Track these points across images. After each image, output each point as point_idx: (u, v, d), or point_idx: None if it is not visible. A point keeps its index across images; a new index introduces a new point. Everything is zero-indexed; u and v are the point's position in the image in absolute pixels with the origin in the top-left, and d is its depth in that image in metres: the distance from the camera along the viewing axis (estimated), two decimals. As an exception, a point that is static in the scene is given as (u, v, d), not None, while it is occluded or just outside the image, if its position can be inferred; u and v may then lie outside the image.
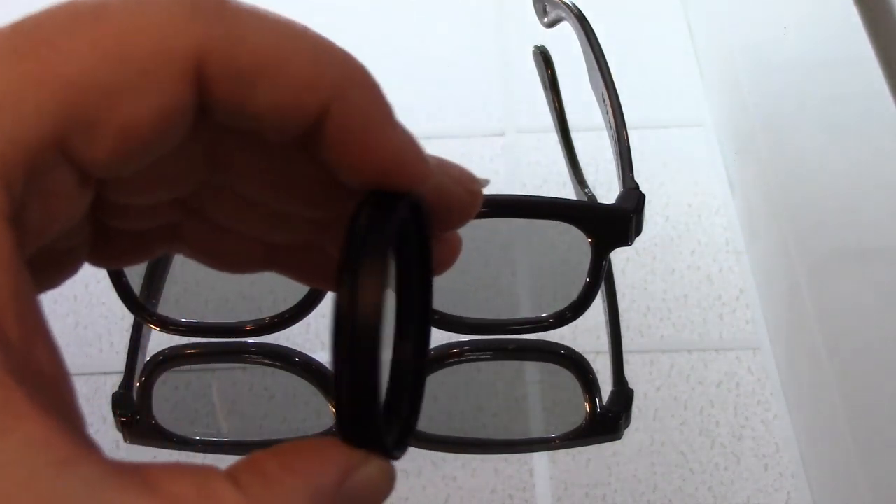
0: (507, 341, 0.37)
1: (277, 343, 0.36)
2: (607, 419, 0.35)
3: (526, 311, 0.35)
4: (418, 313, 0.19)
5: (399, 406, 0.19)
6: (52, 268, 0.18)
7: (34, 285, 0.15)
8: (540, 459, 0.42)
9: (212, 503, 0.14)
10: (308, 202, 0.19)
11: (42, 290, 0.18)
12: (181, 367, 0.37)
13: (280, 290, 0.36)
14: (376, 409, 0.16)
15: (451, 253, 0.20)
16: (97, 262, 0.20)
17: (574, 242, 0.32)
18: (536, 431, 0.39)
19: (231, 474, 0.15)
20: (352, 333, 0.15)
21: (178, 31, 0.15)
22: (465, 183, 0.19)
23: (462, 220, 0.19)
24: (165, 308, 0.35)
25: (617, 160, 0.34)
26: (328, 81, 0.16)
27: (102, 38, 0.15)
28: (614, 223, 0.32)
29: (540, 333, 0.35)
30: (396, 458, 0.17)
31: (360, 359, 0.15)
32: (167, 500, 0.14)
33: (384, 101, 0.17)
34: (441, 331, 0.35)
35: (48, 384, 0.15)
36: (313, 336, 0.44)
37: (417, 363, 0.19)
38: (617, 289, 0.39)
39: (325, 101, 0.16)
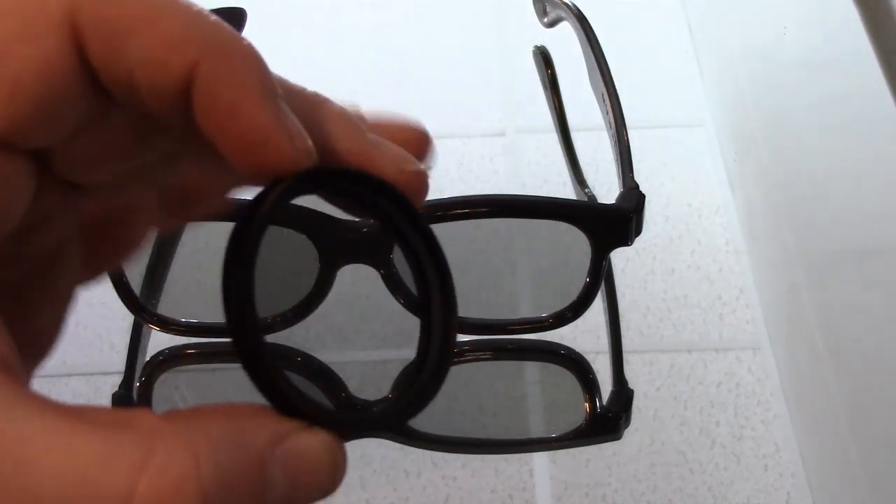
0: (507, 341, 0.37)
1: (278, 343, 0.36)
2: (607, 419, 0.35)
3: (526, 311, 0.35)
4: (439, 305, 0.19)
5: (418, 385, 0.19)
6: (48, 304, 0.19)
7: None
8: (540, 459, 0.42)
9: (124, 427, 0.14)
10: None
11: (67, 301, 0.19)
12: (181, 367, 0.37)
13: (280, 290, 0.36)
14: (266, 367, 0.17)
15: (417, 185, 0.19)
16: (92, 273, 0.20)
17: (574, 242, 0.32)
18: (536, 431, 0.39)
19: (166, 413, 0.15)
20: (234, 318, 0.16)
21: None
22: (404, 164, 0.18)
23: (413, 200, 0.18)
24: (165, 308, 0.35)
25: (617, 160, 0.34)
26: (196, 42, 0.16)
27: None
28: (614, 223, 0.32)
29: (540, 333, 0.35)
30: (350, 437, 0.17)
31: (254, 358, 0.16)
32: (75, 420, 0.14)
33: (256, 73, 0.16)
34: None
35: None
36: (313, 336, 0.44)
37: (442, 354, 0.19)
38: (617, 289, 0.39)
39: (191, 62, 0.16)
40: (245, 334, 0.16)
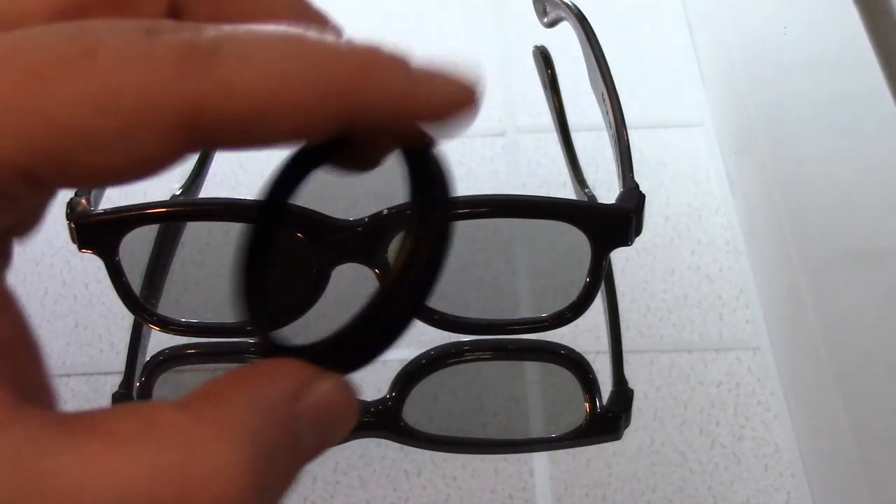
0: (506, 341, 0.37)
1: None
2: (607, 419, 0.35)
3: (526, 311, 0.35)
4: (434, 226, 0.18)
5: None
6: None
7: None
8: (540, 459, 0.42)
9: (152, 432, 0.14)
10: None
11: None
12: (181, 367, 0.37)
13: (280, 290, 0.36)
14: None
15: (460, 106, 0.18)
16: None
17: (574, 242, 0.32)
18: (536, 431, 0.39)
19: (180, 401, 0.15)
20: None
21: (170, 87, 0.14)
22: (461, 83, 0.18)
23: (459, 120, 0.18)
24: (165, 308, 0.35)
25: (617, 160, 0.34)
26: (332, 91, 0.15)
27: (91, 83, 0.14)
28: (614, 223, 0.32)
29: (540, 333, 0.35)
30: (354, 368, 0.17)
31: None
32: (107, 439, 0.14)
33: (397, 68, 0.16)
34: (441, 331, 0.35)
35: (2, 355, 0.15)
36: (311, 336, 0.44)
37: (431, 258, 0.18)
38: (617, 289, 0.39)
39: (336, 107, 0.15)
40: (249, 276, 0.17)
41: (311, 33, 0.16)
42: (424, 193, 0.17)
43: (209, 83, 0.14)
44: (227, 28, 0.15)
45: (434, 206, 0.17)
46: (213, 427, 0.14)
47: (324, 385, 0.16)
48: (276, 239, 0.17)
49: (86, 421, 0.14)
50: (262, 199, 0.17)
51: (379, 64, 0.16)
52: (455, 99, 0.17)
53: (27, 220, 0.18)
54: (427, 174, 0.18)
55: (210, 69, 0.14)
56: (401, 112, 0.16)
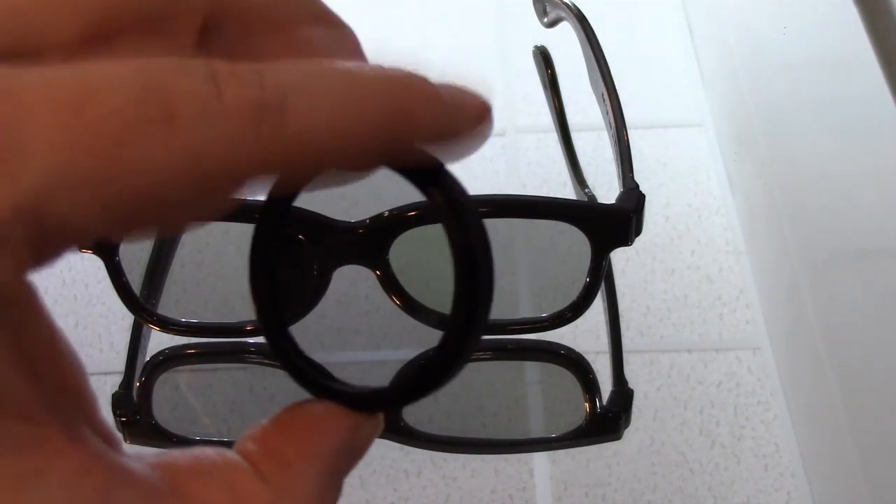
0: (506, 341, 0.37)
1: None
2: (607, 419, 0.35)
3: (526, 311, 0.35)
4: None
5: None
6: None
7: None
8: (540, 459, 0.42)
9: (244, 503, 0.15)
10: None
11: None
12: (181, 367, 0.37)
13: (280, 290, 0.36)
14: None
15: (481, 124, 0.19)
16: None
17: (574, 242, 0.32)
18: (536, 431, 0.39)
19: (254, 466, 0.16)
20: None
21: (244, 147, 0.14)
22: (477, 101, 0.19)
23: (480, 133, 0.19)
24: (165, 308, 0.35)
25: (617, 160, 0.34)
26: (384, 134, 0.16)
27: (172, 148, 0.14)
28: (614, 223, 0.32)
29: (540, 333, 0.35)
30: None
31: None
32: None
33: (432, 98, 0.17)
34: (441, 331, 0.35)
35: (71, 397, 0.15)
36: (312, 337, 0.44)
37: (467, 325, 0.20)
38: (617, 289, 0.39)
39: (383, 146, 0.16)
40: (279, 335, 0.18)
41: (359, 69, 0.16)
42: (458, 221, 0.18)
43: (283, 140, 0.14)
44: (287, 71, 0.15)
45: (471, 235, 0.19)
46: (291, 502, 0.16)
47: (366, 433, 0.18)
48: (282, 240, 0.18)
49: (174, 484, 0.15)
50: (266, 200, 0.18)
51: (419, 94, 0.16)
52: (478, 114, 0.18)
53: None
54: (455, 203, 0.19)
55: (283, 126, 0.14)
56: (436, 137, 0.17)
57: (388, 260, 0.32)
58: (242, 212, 0.32)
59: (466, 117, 0.17)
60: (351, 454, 0.17)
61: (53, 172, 0.13)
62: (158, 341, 0.37)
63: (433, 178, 0.18)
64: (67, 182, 0.13)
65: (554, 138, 0.47)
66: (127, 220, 0.14)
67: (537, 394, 0.39)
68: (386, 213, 0.31)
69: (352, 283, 0.46)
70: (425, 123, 0.16)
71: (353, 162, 0.16)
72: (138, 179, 0.13)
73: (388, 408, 0.18)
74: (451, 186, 0.18)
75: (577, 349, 0.37)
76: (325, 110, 0.15)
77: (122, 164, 0.13)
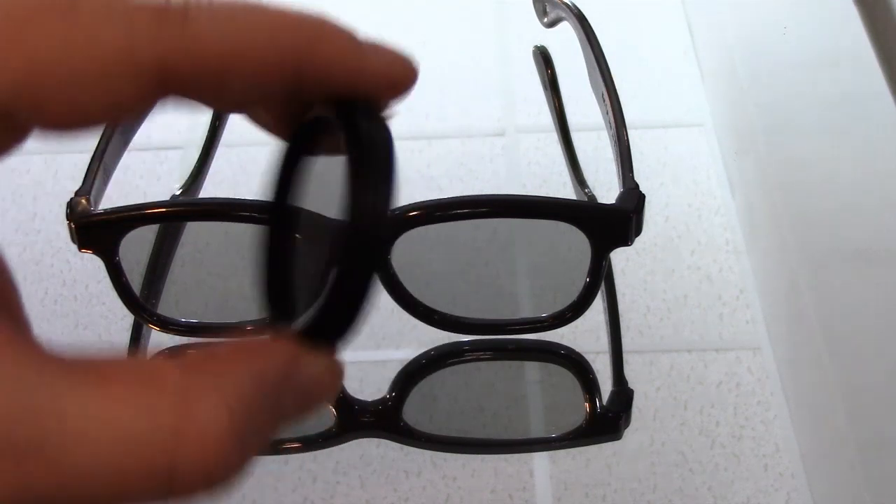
0: (506, 341, 0.37)
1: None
2: (607, 419, 0.35)
3: (526, 311, 0.35)
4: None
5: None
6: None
7: None
8: (540, 459, 0.42)
9: (153, 386, 0.15)
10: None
11: None
12: (181, 367, 0.37)
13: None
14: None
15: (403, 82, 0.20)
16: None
17: (574, 242, 0.32)
18: (536, 431, 0.39)
19: (181, 361, 0.16)
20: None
21: (141, 40, 0.16)
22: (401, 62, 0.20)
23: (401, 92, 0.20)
24: (165, 308, 0.35)
25: (617, 160, 0.34)
26: (293, 50, 0.17)
27: (73, 31, 0.16)
28: (614, 223, 0.32)
29: (540, 333, 0.35)
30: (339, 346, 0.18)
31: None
32: (108, 388, 0.15)
33: (347, 37, 0.18)
34: (441, 331, 0.35)
35: None
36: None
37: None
38: (617, 289, 0.39)
39: (297, 68, 0.17)
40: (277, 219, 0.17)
41: (269, 3, 0.17)
42: (361, 148, 0.18)
43: (181, 38, 0.16)
44: None
45: (372, 164, 0.18)
46: (209, 389, 0.16)
47: (312, 365, 0.18)
48: (289, 236, 0.17)
49: (90, 367, 0.15)
50: (269, 198, 0.18)
51: (330, 30, 0.18)
52: (397, 69, 0.19)
53: None
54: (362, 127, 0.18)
55: (182, 27, 0.16)
56: (349, 74, 0.18)
57: (388, 260, 0.32)
58: (243, 212, 0.32)
59: (384, 67, 0.19)
60: (296, 393, 0.17)
61: None
62: (158, 341, 0.37)
63: (343, 106, 0.18)
64: None
65: (554, 138, 0.47)
66: (29, 92, 0.15)
67: (537, 394, 0.39)
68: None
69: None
70: (334, 58, 0.18)
71: (260, 78, 0.17)
72: (39, 53, 0.15)
73: (328, 334, 0.18)
74: (354, 109, 0.18)
75: (577, 349, 0.37)
76: (226, 24, 0.17)
77: (26, 39, 0.15)
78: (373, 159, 0.17)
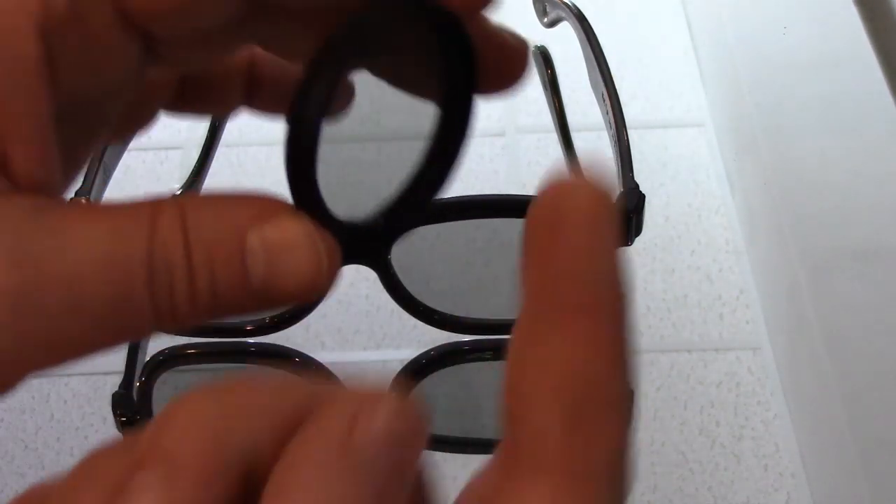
0: (507, 341, 0.36)
1: (277, 343, 0.36)
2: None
3: (526, 311, 0.35)
4: (454, 137, 0.20)
5: (401, 211, 0.20)
6: (129, 117, 0.20)
7: (97, 130, 0.18)
8: (540, 459, 0.42)
9: (132, 213, 0.16)
10: None
11: (121, 138, 0.21)
12: (181, 367, 0.37)
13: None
14: (310, 169, 0.17)
15: (512, 65, 0.20)
16: (175, 112, 0.21)
17: (574, 242, 0.32)
18: (536, 431, 0.39)
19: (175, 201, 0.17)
20: (300, 99, 0.16)
21: None
22: (513, 34, 0.20)
23: (512, 74, 0.20)
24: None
25: (617, 160, 0.34)
26: None
27: None
28: (614, 223, 0.32)
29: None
30: (354, 240, 0.18)
31: (302, 120, 0.16)
32: (91, 213, 0.16)
33: None
34: (441, 331, 0.35)
35: (20, 181, 0.17)
36: (313, 336, 0.44)
37: (435, 182, 0.20)
38: (617, 289, 0.39)
39: None
40: (305, 110, 0.17)
41: None
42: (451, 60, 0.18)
43: None
44: None
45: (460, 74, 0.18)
46: (174, 209, 0.16)
47: (287, 222, 0.17)
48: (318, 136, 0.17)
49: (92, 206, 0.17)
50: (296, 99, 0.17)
51: None
52: None
53: (138, 114, 0.20)
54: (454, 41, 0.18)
55: None
56: None
57: (389, 260, 0.32)
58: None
59: None
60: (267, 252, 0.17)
61: None
62: (158, 341, 0.37)
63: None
64: None
65: (554, 138, 0.47)
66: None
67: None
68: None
69: (352, 283, 0.46)
70: None
71: None
72: None
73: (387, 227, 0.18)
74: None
75: (578, 349, 0.37)
76: None
77: None
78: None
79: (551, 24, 0.43)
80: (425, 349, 0.37)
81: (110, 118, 0.19)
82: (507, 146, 0.53)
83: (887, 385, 0.36)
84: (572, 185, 0.16)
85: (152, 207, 0.16)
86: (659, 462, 0.42)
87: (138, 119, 0.20)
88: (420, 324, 0.34)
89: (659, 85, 0.55)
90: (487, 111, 0.54)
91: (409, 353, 0.37)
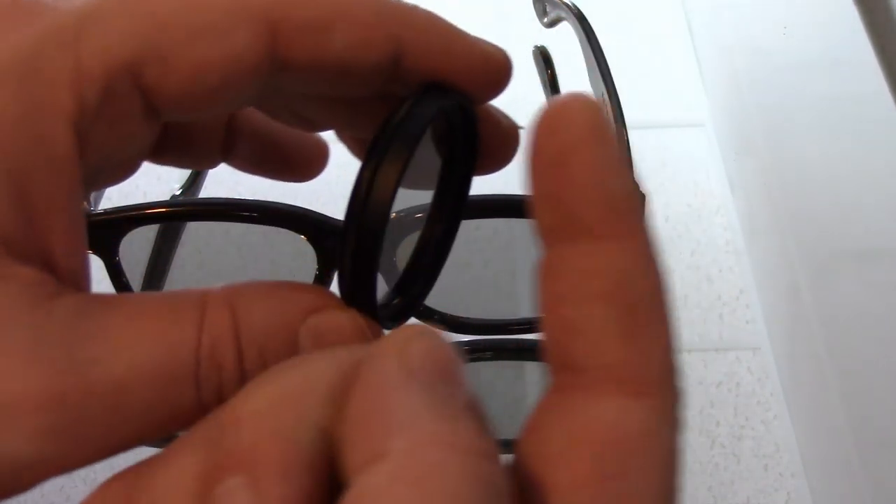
0: (507, 341, 0.37)
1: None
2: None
3: (526, 311, 0.35)
4: (453, 203, 0.20)
5: (413, 279, 0.20)
6: (117, 168, 0.20)
7: (87, 189, 0.18)
8: (540, 459, 0.42)
9: (178, 314, 0.16)
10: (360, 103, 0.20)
11: (101, 187, 0.21)
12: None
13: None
14: (372, 272, 0.17)
15: (507, 148, 0.21)
16: (155, 161, 0.22)
17: (574, 242, 0.32)
18: (536, 431, 0.39)
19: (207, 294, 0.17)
20: (366, 198, 0.17)
21: None
22: (509, 119, 0.21)
23: (505, 154, 0.21)
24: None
25: (617, 160, 0.34)
26: (393, 17, 0.18)
27: None
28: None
29: (540, 333, 0.34)
30: (388, 325, 0.18)
31: (368, 226, 0.17)
32: (137, 312, 0.16)
33: (443, 22, 0.19)
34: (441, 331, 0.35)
35: (62, 272, 0.17)
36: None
37: (441, 246, 0.20)
38: (617, 289, 0.39)
39: (395, 35, 0.18)
40: (375, 199, 0.17)
41: None
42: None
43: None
44: None
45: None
46: (224, 304, 0.16)
47: (335, 315, 0.17)
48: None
49: (123, 301, 0.16)
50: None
51: (426, 14, 0.19)
52: (491, 62, 0.19)
53: (126, 161, 0.20)
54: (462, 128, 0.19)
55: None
56: (441, 60, 0.18)
57: (392, 261, 0.32)
58: (242, 212, 0.32)
59: (477, 53, 0.19)
60: (316, 336, 0.17)
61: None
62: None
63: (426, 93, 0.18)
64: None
65: (554, 138, 0.47)
66: (154, 48, 0.16)
67: (537, 394, 0.39)
68: (392, 215, 0.31)
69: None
70: (429, 31, 0.18)
71: (359, 35, 0.17)
72: (159, 9, 0.17)
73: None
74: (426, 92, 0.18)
75: (577, 349, 0.37)
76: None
77: (147, 3, 0.17)
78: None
79: (551, 24, 0.43)
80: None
81: (104, 176, 0.20)
82: (507, 146, 0.53)
83: (887, 385, 0.36)
84: (566, 105, 0.16)
85: (199, 303, 0.16)
86: (659, 462, 0.42)
87: (122, 169, 0.21)
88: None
89: (659, 85, 0.55)
90: (487, 111, 0.54)
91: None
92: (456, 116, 0.19)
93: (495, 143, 0.21)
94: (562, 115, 0.16)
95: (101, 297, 0.16)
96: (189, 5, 0.17)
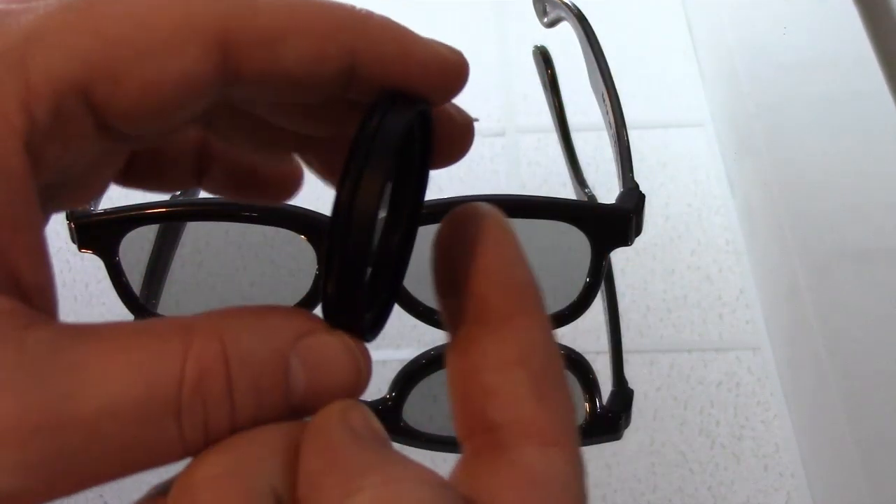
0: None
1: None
2: (607, 419, 0.35)
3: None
4: (410, 207, 0.20)
5: (377, 290, 0.20)
6: (79, 188, 0.20)
7: (48, 208, 0.18)
8: (540, 459, 0.42)
9: (159, 346, 0.16)
10: (326, 115, 0.20)
11: (66, 207, 0.20)
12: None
13: (280, 290, 0.36)
14: (360, 292, 0.17)
15: (462, 142, 0.21)
16: (125, 185, 0.22)
17: (574, 242, 0.32)
18: (536, 431, 0.39)
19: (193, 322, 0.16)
20: (347, 221, 0.16)
21: (203, 7, 0.17)
22: (462, 113, 0.21)
23: (460, 148, 0.21)
24: (165, 308, 0.35)
25: (617, 160, 0.34)
26: (347, 27, 0.18)
27: (137, 6, 0.16)
28: (614, 223, 0.32)
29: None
30: (369, 339, 0.18)
31: (352, 247, 0.16)
32: (113, 345, 0.16)
33: (398, 27, 0.19)
34: (441, 331, 0.35)
35: (30, 291, 0.17)
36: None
37: (402, 253, 0.20)
38: (617, 289, 0.39)
39: (349, 45, 0.18)
40: (357, 222, 0.17)
41: None
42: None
43: (237, 6, 0.17)
44: None
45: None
46: (211, 331, 0.16)
47: (324, 338, 0.17)
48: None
49: (100, 331, 0.16)
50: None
51: (381, 20, 0.18)
52: (447, 65, 0.19)
53: (91, 183, 0.20)
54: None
55: None
56: (398, 66, 0.18)
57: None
58: (242, 212, 0.32)
59: (432, 56, 0.19)
60: (307, 365, 0.17)
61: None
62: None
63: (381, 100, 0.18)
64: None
65: (554, 138, 0.47)
66: (102, 68, 0.16)
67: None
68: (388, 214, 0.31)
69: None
70: (383, 39, 0.18)
71: (314, 48, 0.17)
72: (106, 28, 0.16)
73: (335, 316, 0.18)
74: (385, 100, 0.18)
75: (577, 349, 0.37)
76: None
77: (92, 17, 0.16)
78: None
79: (551, 24, 0.43)
80: (425, 349, 0.37)
81: (66, 196, 0.19)
82: (507, 146, 0.53)
83: (887, 385, 0.36)
84: (474, 209, 0.18)
85: (183, 333, 0.16)
86: (659, 462, 0.42)
87: (88, 191, 0.20)
88: (420, 324, 0.34)
89: (659, 85, 0.55)
90: (488, 111, 0.54)
91: (409, 353, 0.37)
92: (417, 124, 0.19)
93: (450, 138, 0.20)
94: (471, 219, 0.18)
95: (76, 328, 0.16)
96: (137, 24, 0.16)
